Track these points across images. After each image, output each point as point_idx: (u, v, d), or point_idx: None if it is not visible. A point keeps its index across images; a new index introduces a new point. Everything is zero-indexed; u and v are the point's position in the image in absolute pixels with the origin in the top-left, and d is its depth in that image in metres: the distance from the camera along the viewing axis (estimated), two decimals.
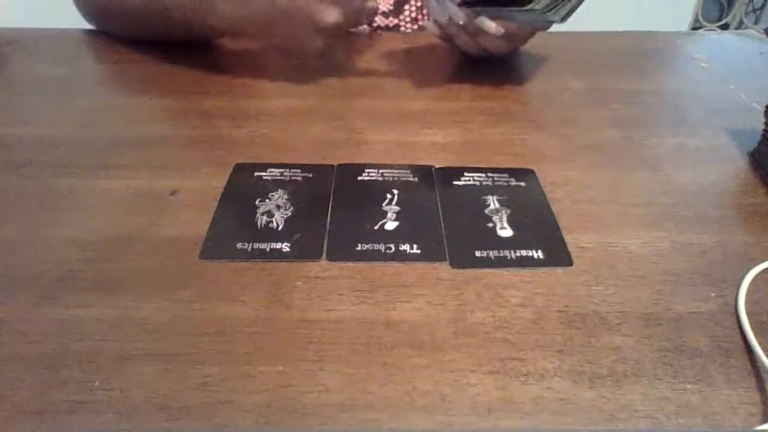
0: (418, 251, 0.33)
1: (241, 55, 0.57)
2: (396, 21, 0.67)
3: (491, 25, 0.47)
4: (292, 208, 0.36)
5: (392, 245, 0.34)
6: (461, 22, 0.48)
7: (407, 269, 0.32)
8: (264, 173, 0.40)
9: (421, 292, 0.31)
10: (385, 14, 0.66)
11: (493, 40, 0.49)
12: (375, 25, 0.66)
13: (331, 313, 0.30)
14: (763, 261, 0.33)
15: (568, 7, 0.47)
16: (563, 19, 0.47)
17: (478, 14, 0.48)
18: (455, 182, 0.39)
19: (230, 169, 0.40)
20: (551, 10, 0.46)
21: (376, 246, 0.34)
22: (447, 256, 0.33)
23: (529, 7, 0.45)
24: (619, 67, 0.58)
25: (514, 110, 0.50)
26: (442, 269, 0.32)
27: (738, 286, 0.32)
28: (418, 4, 0.66)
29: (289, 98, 0.50)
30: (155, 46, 0.57)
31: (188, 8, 0.49)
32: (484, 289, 0.31)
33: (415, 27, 0.67)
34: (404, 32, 0.67)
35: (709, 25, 1.87)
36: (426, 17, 0.67)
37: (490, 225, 0.36)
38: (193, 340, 0.28)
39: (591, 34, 0.63)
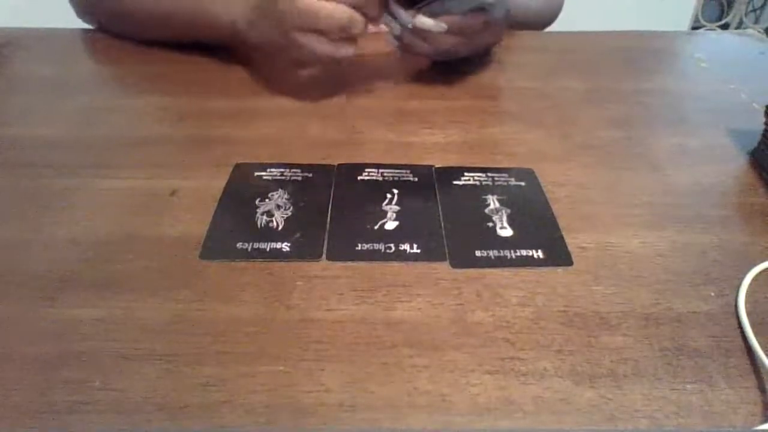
0: (418, 251, 0.33)
1: (241, 56, 0.56)
2: None
3: (429, 22, 0.47)
4: (292, 208, 0.36)
5: (392, 245, 0.34)
6: (409, 26, 0.47)
7: (407, 269, 0.32)
8: (264, 173, 0.40)
9: (421, 292, 0.31)
10: None
11: (446, 38, 0.48)
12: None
13: (331, 313, 0.30)
14: (763, 261, 0.33)
15: None
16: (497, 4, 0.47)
17: (423, 14, 0.47)
18: (455, 182, 0.39)
19: (230, 169, 0.40)
20: None
21: (376, 246, 0.34)
22: (447, 256, 0.33)
23: None
24: (619, 67, 0.58)
25: (514, 110, 0.50)
26: (442, 269, 0.32)
27: (738, 286, 0.32)
28: None
29: (288, 98, 0.50)
30: (155, 46, 0.57)
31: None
32: (484, 288, 0.31)
33: None
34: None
35: (709, 25, 1.87)
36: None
37: (490, 225, 0.36)
38: (193, 340, 0.28)
39: (591, 34, 0.63)
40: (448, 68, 0.56)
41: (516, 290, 0.31)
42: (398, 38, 0.50)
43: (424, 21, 0.47)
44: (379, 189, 0.38)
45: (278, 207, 0.37)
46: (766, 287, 0.32)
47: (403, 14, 0.47)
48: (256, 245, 0.33)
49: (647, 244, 0.35)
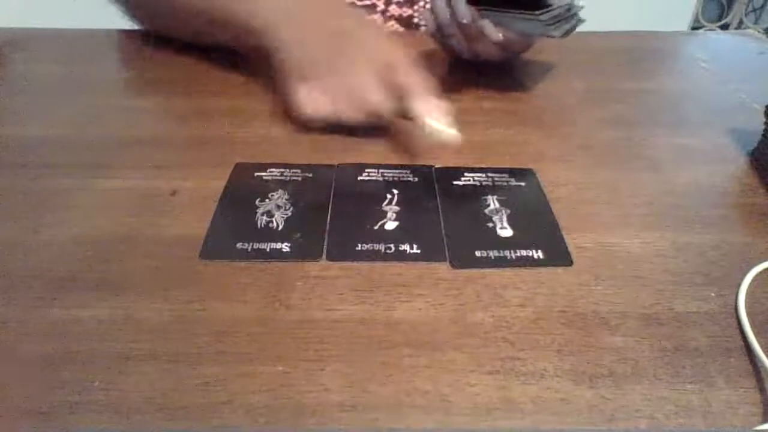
0: (418, 251, 0.33)
1: (241, 56, 0.56)
2: (410, 11, 0.67)
3: (489, 27, 0.47)
4: (292, 208, 0.36)
5: (392, 245, 0.34)
6: (465, 21, 0.47)
7: (407, 269, 0.32)
8: (264, 173, 0.40)
9: (421, 292, 0.31)
10: (399, 4, 0.67)
11: (489, 46, 0.49)
12: (389, 14, 0.67)
13: (331, 313, 0.30)
14: (763, 261, 0.33)
15: (570, 25, 0.47)
16: (564, 35, 0.47)
17: (483, 17, 0.48)
18: (455, 182, 0.39)
19: (230, 169, 0.40)
20: (554, 24, 0.46)
21: (376, 246, 0.34)
22: (447, 256, 0.33)
23: (535, 13, 0.45)
24: (619, 67, 0.58)
25: (514, 110, 0.50)
26: (442, 269, 0.32)
27: (738, 286, 0.32)
28: None
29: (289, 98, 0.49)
30: (155, 46, 0.57)
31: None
32: (484, 289, 0.31)
33: None
34: (416, 23, 0.68)
35: (709, 25, 1.87)
36: (422, 12, 0.67)
37: (490, 225, 0.36)
38: (193, 340, 0.28)
39: (591, 34, 0.63)
40: (448, 69, 0.56)
41: (516, 290, 0.31)
42: (438, 24, 0.50)
43: (485, 24, 0.47)
44: (379, 189, 0.38)
45: (278, 207, 0.37)
46: (766, 287, 0.32)
47: (464, 9, 0.47)
48: (256, 245, 0.33)
49: (647, 244, 0.35)
